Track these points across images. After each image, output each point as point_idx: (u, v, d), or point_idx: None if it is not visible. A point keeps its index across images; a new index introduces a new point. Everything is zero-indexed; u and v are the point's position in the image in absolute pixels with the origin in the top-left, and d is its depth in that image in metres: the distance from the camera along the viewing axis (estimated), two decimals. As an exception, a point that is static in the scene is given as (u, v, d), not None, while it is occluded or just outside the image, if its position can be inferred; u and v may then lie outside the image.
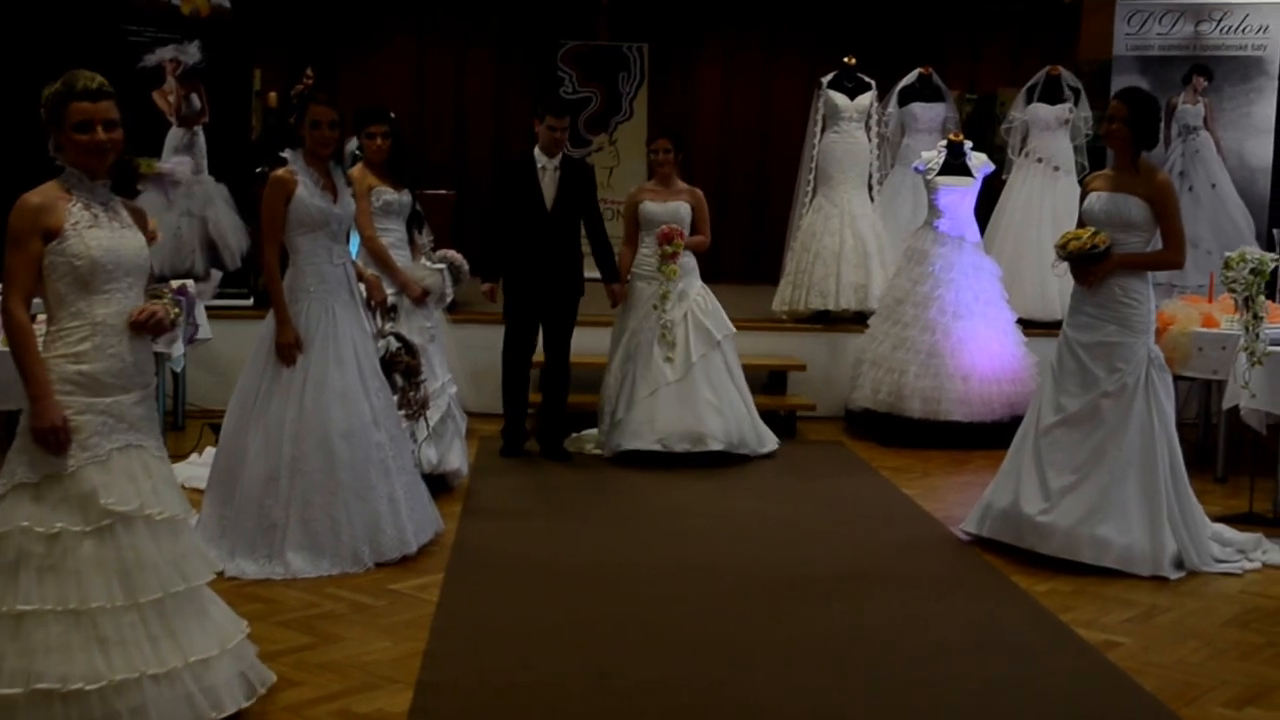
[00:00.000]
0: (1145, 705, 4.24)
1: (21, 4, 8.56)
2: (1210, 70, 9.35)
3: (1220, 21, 9.34)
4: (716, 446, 7.55)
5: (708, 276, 8.06)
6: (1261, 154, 9.30)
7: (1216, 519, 6.15)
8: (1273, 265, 6.56)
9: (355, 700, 4.09)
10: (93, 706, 3.51)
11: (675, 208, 7.72)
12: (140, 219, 3.87)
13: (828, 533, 6.33)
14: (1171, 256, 5.78)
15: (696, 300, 7.73)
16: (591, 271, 7.77)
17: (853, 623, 4.99)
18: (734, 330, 7.90)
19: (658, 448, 7.48)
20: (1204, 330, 7.07)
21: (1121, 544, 5.63)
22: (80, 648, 3.55)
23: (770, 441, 7.94)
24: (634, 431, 7.54)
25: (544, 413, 7.79)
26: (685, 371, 7.59)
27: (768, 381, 8.96)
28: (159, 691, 3.60)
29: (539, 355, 7.70)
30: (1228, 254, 6.60)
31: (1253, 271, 6.34)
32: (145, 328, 3.73)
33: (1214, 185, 9.35)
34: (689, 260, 7.75)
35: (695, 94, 13.94)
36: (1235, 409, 6.60)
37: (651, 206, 7.75)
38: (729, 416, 7.68)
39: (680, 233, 7.59)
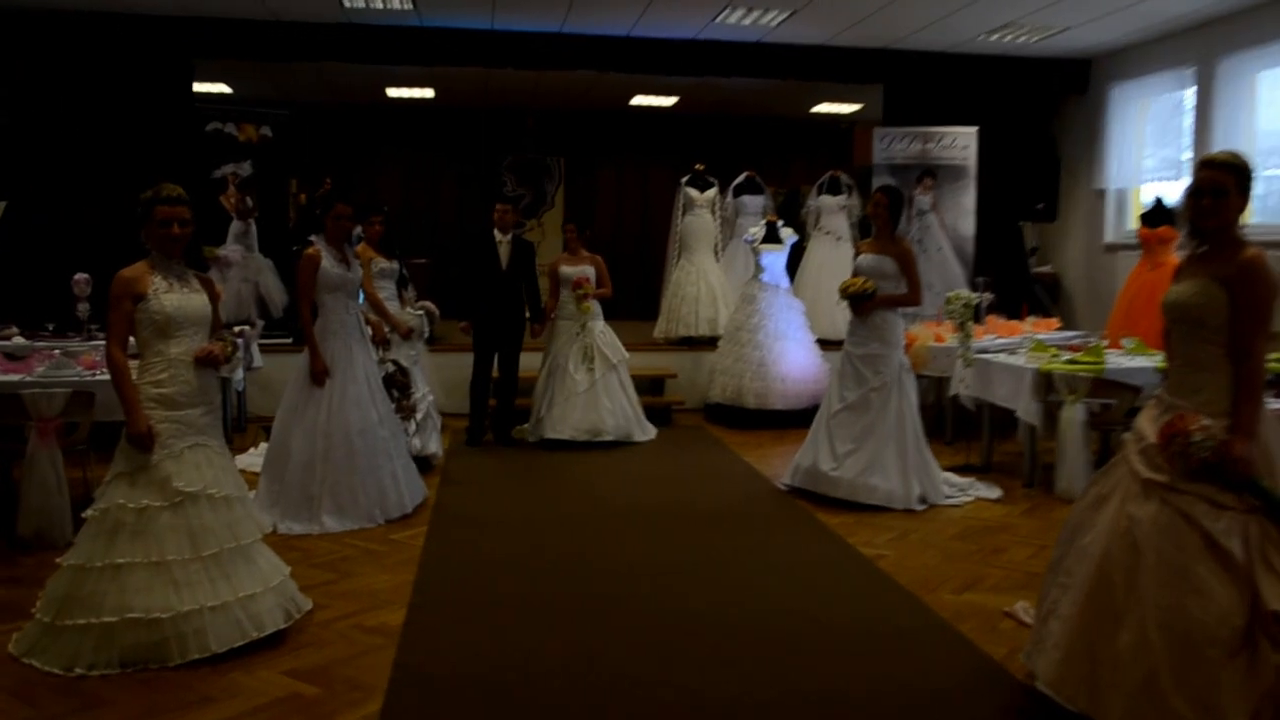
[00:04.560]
0: (902, 594, 4.32)
1: (131, 136, 8.45)
2: (935, 173, 9.54)
3: (939, 141, 9.55)
4: (609, 437, 7.50)
5: (611, 315, 7.93)
6: (968, 228, 9.52)
7: (946, 469, 6.25)
8: (975, 301, 6.72)
9: (365, 617, 4.02)
10: (166, 629, 3.44)
11: (581, 269, 7.63)
12: (209, 286, 3.78)
13: (690, 486, 6.33)
14: (914, 297, 5.86)
15: (600, 334, 7.66)
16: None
17: (705, 549, 4.98)
18: (627, 355, 7.79)
19: (568, 437, 7.39)
20: (936, 344, 7.18)
21: (885, 489, 5.70)
22: (159, 588, 3.47)
23: (650, 432, 7.82)
24: (553, 426, 7.44)
25: (498, 412, 7.67)
26: (590, 384, 7.51)
27: (651, 385, 8.90)
28: (214, 618, 3.52)
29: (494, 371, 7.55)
30: (948, 294, 6.74)
31: (964, 305, 6.49)
32: (204, 362, 3.67)
33: (940, 249, 9.51)
34: (596, 306, 7.64)
35: (596, 190, 13.92)
36: (956, 396, 6.73)
37: (565, 269, 7.67)
38: (619, 417, 7.59)
39: (585, 280, 7.52)
